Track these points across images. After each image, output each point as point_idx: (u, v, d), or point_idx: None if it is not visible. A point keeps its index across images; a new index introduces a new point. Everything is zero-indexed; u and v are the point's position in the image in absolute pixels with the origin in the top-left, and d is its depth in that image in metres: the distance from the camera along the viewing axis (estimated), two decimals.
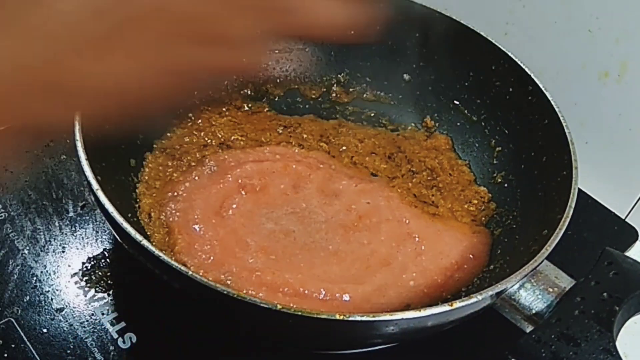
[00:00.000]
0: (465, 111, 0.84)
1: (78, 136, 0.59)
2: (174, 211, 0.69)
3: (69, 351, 0.63)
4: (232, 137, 0.81)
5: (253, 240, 0.68)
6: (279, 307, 0.49)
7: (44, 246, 0.72)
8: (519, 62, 0.76)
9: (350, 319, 0.49)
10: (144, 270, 0.56)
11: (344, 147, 0.82)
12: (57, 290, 0.68)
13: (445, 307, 0.52)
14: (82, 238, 0.73)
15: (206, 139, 0.79)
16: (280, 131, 0.84)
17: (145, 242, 0.52)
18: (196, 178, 0.73)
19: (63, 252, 0.72)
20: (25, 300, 0.67)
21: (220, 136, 0.80)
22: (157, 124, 0.77)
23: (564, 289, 0.59)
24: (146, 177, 0.72)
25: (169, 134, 0.78)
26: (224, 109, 0.84)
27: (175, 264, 0.51)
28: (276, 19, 0.49)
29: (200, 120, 0.81)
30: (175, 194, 0.71)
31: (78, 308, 0.67)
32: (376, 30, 0.69)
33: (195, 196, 0.71)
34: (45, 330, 0.65)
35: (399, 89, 0.88)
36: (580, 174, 0.65)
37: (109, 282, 0.69)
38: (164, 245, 0.67)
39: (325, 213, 0.73)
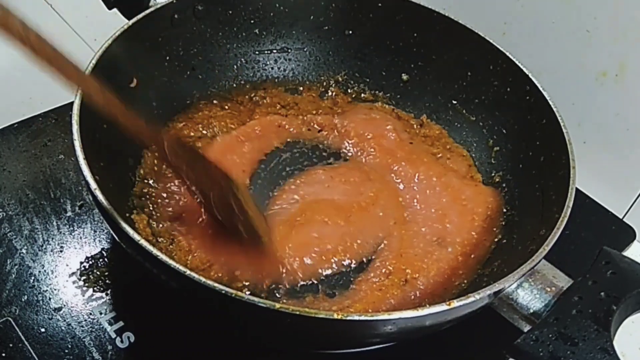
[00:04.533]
0: (463, 111, 0.84)
1: (76, 136, 0.59)
2: (168, 211, 0.69)
3: (66, 350, 0.63)
4: (229, 126, 0.81)
5: None
6: (277, 306, 0.49)
7: (42, 246, 0.72)
8: (517, 62, 0.76)
9: (348, 318, 0.49)
10: (142, 269, 0.56)
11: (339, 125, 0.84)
12: (55, 289, 0.68)
13: (443, 307, 0.52)
14: (80, 237, 0.73)
15: (203, 131, 0.80)
16: (278, 107, 0.85)
17: (143, 242, 0.52)
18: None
19: (61, 251, 0.72)
20: (23, 300, 0.67)
21: (217, 129, 0.80)
22: (155, 122, 0.77)
23: (562, 288, 0.59)
24: (142, 173, 0.72)
25: (167, 128, 0.78)
26: (225, 105, 0.84)
27: (173, 263, 0.51)
28: None
29: (200, 114, 0.81)
30: (170, 192, 0.71)
31: (76, 307, 0.67)
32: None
33: (188, 194, 0.71)
34: (43, 330, 0.65)
35: (397, 89, 0.88)
36: (578, 174, 0.65)
37: (107, 281, 0.69)
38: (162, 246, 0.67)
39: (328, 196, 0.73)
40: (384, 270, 0.68)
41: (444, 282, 0.68)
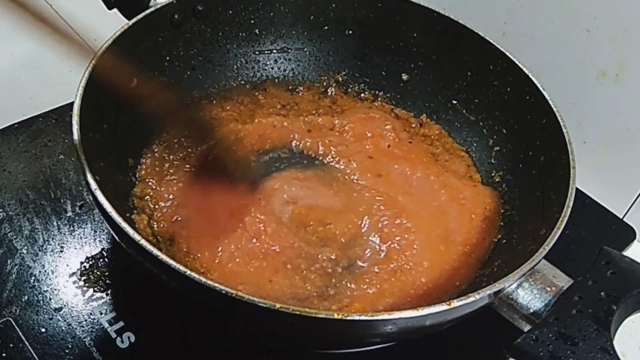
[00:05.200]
0: (464, 111, 0.84)
1: (76, 136, 0.59)
2: (169, 212, 0.69)
3: (67, 350, 0.63)
4: (230, 126, 0.81)
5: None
6: (277, 306, 0.49)
7: (42, 246, 0.72)
8: (517, 62, 0.76)
9: (349, 318, 0.49)
10: (142, 269, 0.56)
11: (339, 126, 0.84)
12: (55, 289, 0.68)
13: (443, 307, 0.52)
14: (81, 238, 0.73)
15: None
16: (278, 107, 0.85)
17: (143, 242, 0.52)
18: (189, 175, 0.73)
19: (61, 251, 0.72)
20: (23, 300, 0.67)
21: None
22: (155, 121, 0.77)
23: (562, 288, 0.59)
24: (143, 174, 0.72)
25: (168, 129, 0.78)
26: (226, 105, 0.84)
27: (174, 263, 0.51)
28: None
29: (201, 114, 0.81)
30: (170, 193, 0.71)
31: (76, 308, 0.67)
32: None
33: (188, 194, 0.71)
34: (43, 330, 0.65)
35: (397, 89, 0.88)
36: (578, 174, 0.65)
37: (107, 281, 0.69)
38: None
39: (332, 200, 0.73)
40: (383, 271, 0.68)
41: (444, 282, 0.68)
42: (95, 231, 0.74)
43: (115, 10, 0.78)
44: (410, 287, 0.67)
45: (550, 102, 0.72)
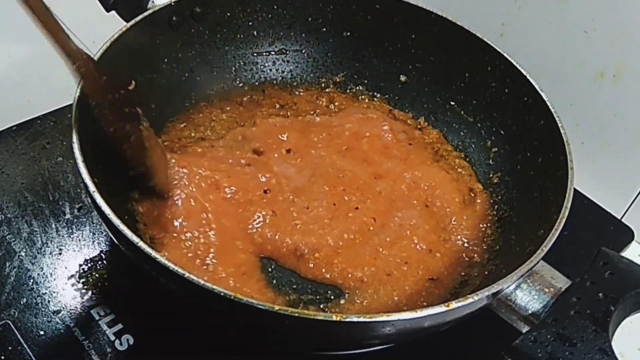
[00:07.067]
0: (462, 112, 0.84)
1: (75, 138, 0.59)
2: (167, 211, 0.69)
3: (66, 353, 0.63)
4: (230, 126, 0.81)
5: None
6: (276, 308, 0.49)
7: (41, 248, 0.72)
8: (514, 63, 0.77)
9: (347, 319, 0.49)
10: (140, 272, 0.56)
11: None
12: (54, 292, 0.68)
13: (441, 308, 0.52)
14: (79, 240, 0.73)
15: (206, 133, 0.80)
16: (277, 107, 0.86)
17: (142, 244, 0.52)
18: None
19: (60, 254, 0.72)
20: (22, 303, 0.67)
21: (219, 130, 0.80)
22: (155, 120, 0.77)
23: (560, 289, 0.59)
24: None
25: (167, 129, 0.78)
26: (226, 106, 0.84)
27: (172, 265, 0.51)
28: None
29: (201, 115, 0.81)
30: (169, 194, 0.71)
31: (75, 310, 0.67)
32: None
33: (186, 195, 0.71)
34: (42, 333, 0.65)
35: (395, 90, 0.88)
36: (576, 175, 0.65)
37: (106, 284, 0.69)
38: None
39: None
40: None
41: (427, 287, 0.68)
42: (93, 233, 0.74)
43: (113, 12, 0.78)
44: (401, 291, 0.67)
45: (548, 103, 0.72)
